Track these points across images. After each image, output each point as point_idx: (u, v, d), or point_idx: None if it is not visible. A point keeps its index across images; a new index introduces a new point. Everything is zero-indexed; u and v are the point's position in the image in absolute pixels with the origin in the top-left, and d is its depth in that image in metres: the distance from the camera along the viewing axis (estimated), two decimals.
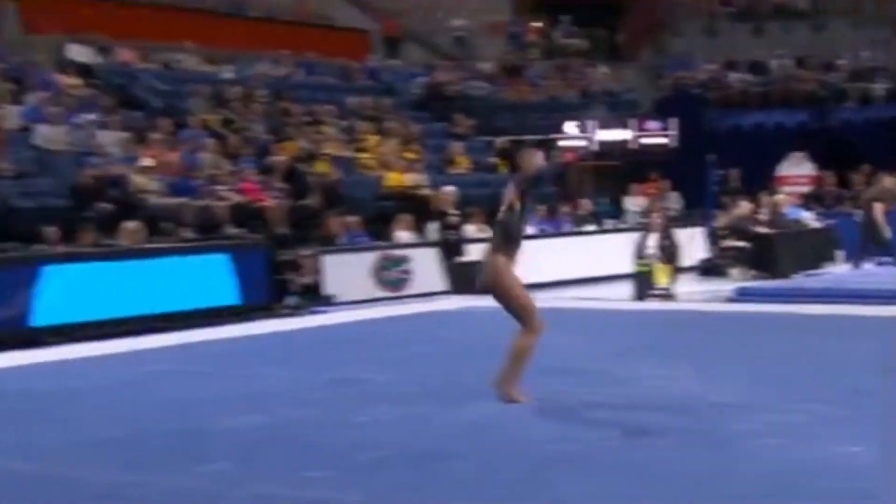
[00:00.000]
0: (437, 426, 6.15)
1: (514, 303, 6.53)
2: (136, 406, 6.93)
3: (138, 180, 13.78)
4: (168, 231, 13.39)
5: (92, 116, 14.91)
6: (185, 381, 7.98)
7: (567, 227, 17.32)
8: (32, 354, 9.47)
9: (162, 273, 11.69)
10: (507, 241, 6.54)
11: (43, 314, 10.52)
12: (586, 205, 18.17)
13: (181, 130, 15.66)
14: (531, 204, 6.76)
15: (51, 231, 11.83)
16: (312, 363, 8.71)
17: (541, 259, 15.28)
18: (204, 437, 5.99)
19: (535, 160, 6.54)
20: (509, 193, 6.56)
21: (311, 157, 16.26)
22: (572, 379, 7.48)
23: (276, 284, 13.01)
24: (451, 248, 14.78)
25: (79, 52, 16.81)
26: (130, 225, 12.38)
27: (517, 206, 6.49)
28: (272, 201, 14.99)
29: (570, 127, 19.93)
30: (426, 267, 14.47)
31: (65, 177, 13.67)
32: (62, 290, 10.68)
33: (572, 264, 15.42)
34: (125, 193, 13.46)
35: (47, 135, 14.15)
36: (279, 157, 15.90)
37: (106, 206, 13.10)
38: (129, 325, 11.01)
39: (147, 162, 14.15)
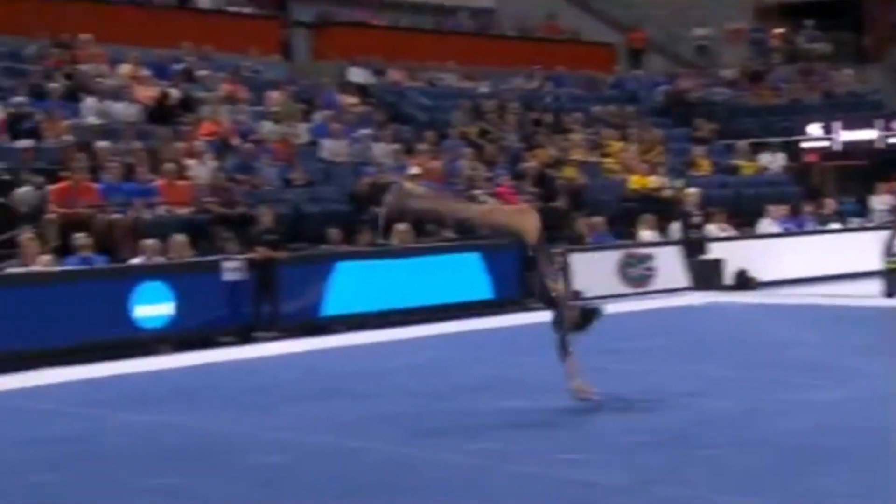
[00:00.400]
0: (690, 413, 5.97)
1: None
2: (414, 386, 7.18)
3: (407, 186, 14.27)
4: (432, 232, 13.81)
5: (368, 131, 15.62)
6: (455, 366, 8.20)
7: (811, 226, 16.35)
8: (324, 340, 10.05)
9: (426, 269, 12.07)
10: None
11: (332, 305, 11.13)
12: (830, 204, 17.09)
13: (443, 141, 16.09)
14: None
15: (334, 232, 12.49)
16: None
17: (786, 257, 14.56)
18: (474, 417, 6.11)
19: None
20: None
21: (559, 162, 16.25)
22: (821, 374, 7.04)
23: (526, 280, 13.11)
24: (693, 246, 14.33)
25: (357, 74, 17.67)
26: (401, 226, 12.87)
27: None
28: (525, 204, 15.10)
29: (814, 128, 18.79)
30: (669, 264, 14.11)
31: (345, 185, 14.40)
32: (347, 284, 11.27)
33: (818, 262, 14.55)
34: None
35: (331, 148, 14.97)
36: (530, 164, 16.00)
37: (380, 210, 13.68)
38: (401, 315, 11.45)
39: (414, 170, 14.66)
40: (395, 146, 15.35)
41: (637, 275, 13.90)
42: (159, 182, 12.22)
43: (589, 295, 13.08)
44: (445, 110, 17.46)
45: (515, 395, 6.68)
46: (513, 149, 16.76)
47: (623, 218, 15.73)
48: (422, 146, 15.51)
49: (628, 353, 8.38)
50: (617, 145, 17.34)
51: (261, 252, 10.67)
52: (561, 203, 15.38)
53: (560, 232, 14.90)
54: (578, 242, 14.26)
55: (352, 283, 11.33)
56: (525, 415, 6.12)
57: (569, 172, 15.95)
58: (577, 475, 4.67)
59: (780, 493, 4.32)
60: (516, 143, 16.94)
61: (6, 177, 11.46)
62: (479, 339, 10.07)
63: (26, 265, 9.73)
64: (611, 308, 11.90)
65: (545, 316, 10.82)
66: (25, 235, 10.03)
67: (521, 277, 12.92)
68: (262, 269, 10.60)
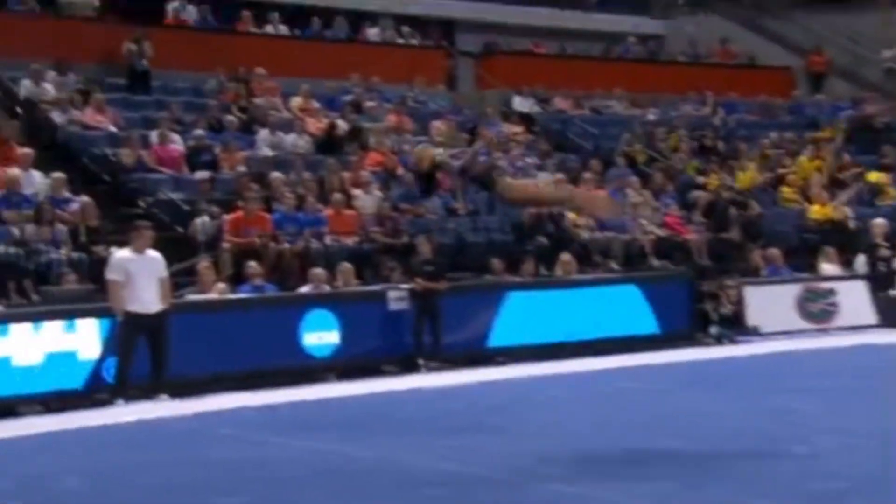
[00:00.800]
0: (878, 459, 5.67)
1: None
2: (579, 421, 7.14)
3: (571, 216, 14.27)
4: (597, 263, 13.72)
5: (532, 160, 15.71)
6: (623, 401, 8.09)
7: None
8: (487, 372, 10.16)
9: (589, 301, 11.99)
10: None
11: (495, 336, 11.20)
12: None
13: (609, 170, 15.99)
14: None
15: (496, 262, 12.60)
16: (741, 391, 8.42)
17: None
18: (645, 456, 6.01)
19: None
20: None
21: (732, 191, 15.81)
22: None
23: (696, 314, 12.81)
24: (881, 280, 13.62)
25: (521, 103, 17.83)
26: (565, 257, 12.85)
27: None
28: (694, 234, 14.78)
29: None
30: (854, 299, 13.45)
31: (509, 214, 14.52)
32: (510, 315, 11.33)
33: None
34: (560, 228, 14.00)
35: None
36: (701, 193, 15.66)
37: (543, 240, 13.72)
38: (565, 348, 11.40)
39: None
40: (560, 175, 15.36)
41: (818, 310, 13.33)
42: (327, 212, 12.70)
43: (766, 331, 12.66)
44: (611, 138, 17.35)
45: (688, 434, 6.51)
46: (682, 177, 16.45)
47: (802, 250, 15.13)
48: (587, 175, 15.44)
49: (811, 393, 8.04)
50: (796, 173, 16.71)
51: (419, 283, 10.88)
52: (734, 234, 14.97)
53: (733, 264, 14.54)
54: (753, 275, 13.83)
55: (515, 315, 11.38)
56: (700, 456, 5.97)
57: (742, 201, 15.48)
58: None
59: None
60: (686, 170, 16.62)
61: (185, 207, 12.21)
62: (647, 374, 9.90)
63: (203, 292, 10.31)
64: (790, 345, 11.58)
65: (718, 352, 10.58)
66: (202, 264, 10.64)
67: (689, 310, 12.65)
68: (423, 299, 10.81)
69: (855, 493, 5.00)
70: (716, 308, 12.98)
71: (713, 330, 12.66)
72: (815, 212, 15.65)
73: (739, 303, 13.05)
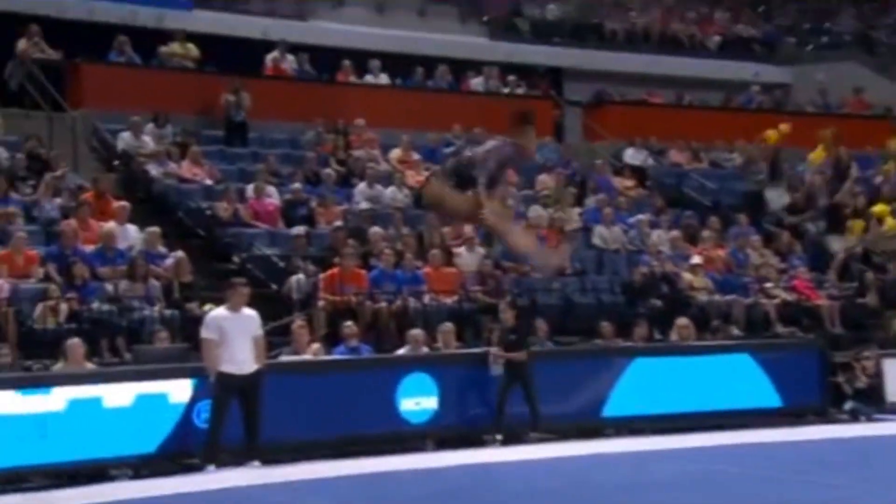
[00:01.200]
0: None
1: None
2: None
3: (688, 277, 14.05)
4: (716, 328, 13.43)
5: (644, 216, 15.58)
6: (743, 484, 7.84)
7: None
8: (594, 445, 10.02)
9: (711, 370, 11.72)
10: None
11: (609, 406, 11.02)
12: None
13: (730, 228, 15.71)
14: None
15: (606, 326, 12.45)
16: (881, 476, 8.06)
17: None
18: None
19: (533, 143, 5.66)
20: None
21: (867, 252, 15.33)
22: None
23: (829, 388, 12.38)
24: None
25: (634, 156, 17.73)
26: (682, 321, 12.62)
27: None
28: (825, 299, 14.36)
29: None
30: None
31: (619, 274, 14.39)
32: (625, 384, 11.14)
33: None
34: (675, 290, 13.79)
35: (604, 235, 15.05)
36: (834, 252, 15.26)
37: (657, 303, 13.52)
38: (682, 420, 11.15)
39: (696, 259, 14.39)
40: (675, 233, 15.18)
41: None
42: (426, 269, 12.80)
43: None
44: (732, 193, 17.09)
45: None
46: (811, 235, 16.07)
47: None
48: (705, 233, 15.23)
49: None
50: None
51: (499, 354, 10.68)
52: (870, 299, 14.47)
53: (870, 332, 14.03)
54: (893, 345, 13.32)
55: (628, 383, 11.19)
56: None
57: (880, 263, 15.00)
58: None
59: None
60: (816, 229, 16.22)
61: (280, 263, 12.47)
62: (769, 453, 9.58)
63: (298, 353, 10.47)
64: None
65: (853, 430, 10.19)
66: (297, 323, 10.82)
67: (821, 383, 12.24)
68: (509, 369, 10.64)
69: None
70: (850, 381, 12.52)
71: (848, 405, 12.20)
72: None
73: (877, 376, 12.57)
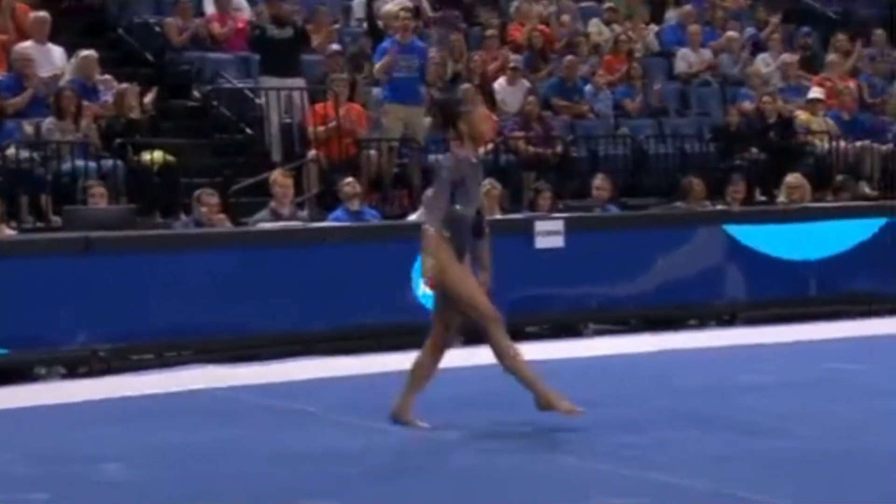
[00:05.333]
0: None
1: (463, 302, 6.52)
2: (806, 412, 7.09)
3: (803, 117, 13.98)
4: (841, 185, 13.45)
5: (748, 33, 15.40)
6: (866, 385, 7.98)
7: None
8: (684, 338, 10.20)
9: (831, 241, 11.72)
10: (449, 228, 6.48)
11: (692, 290, 11.11)
12: None
13: (866, 49, 15.51)
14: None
15: (696, 183, 12.40)
16: None
17: None
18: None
19: (486, 123, 6.48)
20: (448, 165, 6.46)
21: None
22: None
23: None
24: None
25: None
26: (793, 178, 12.61)
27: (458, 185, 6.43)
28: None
29: None
30: None
31: (710, 115, 14.34)
32: (716, 261, 11.21)
33: None
34: (786, 135, 13.74)
35: (690, 60, 14.90)
36: None
37: (759, 153, 13.49)
38: (790, 306, 11.27)
39: (816, 93, 14.29)
40: (788, 57, 15.05)
41: None
42: None
43: None
44: (868, 2, 16.86)
45: None
46: None
47: None
48: (831, 57, 15.07)
49: None
50: None
51: None
52: None
53: None
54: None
55: (716, 260, 11.26)
56: None
57: None
58: None
59: None
60: None
61: (257, 99, 12.48)
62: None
63: (278, 215, 10.53)
64: None
65: None
66: (277, 173, 10.86)
67: None
68: None
69: None
70: None
71: None
72: None
73: None
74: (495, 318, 6.58)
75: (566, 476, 5.84)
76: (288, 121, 12.25)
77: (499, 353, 6.61)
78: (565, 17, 15.26)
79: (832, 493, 5.45)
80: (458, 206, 6.52)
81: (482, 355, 7.03)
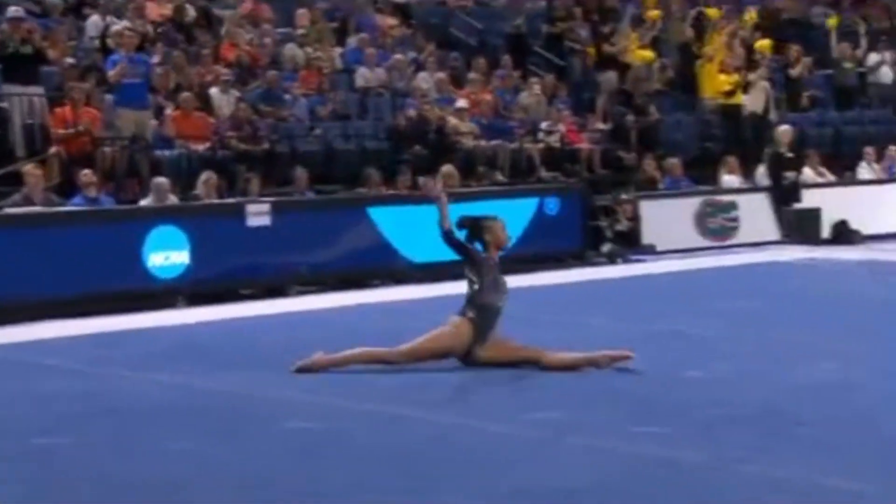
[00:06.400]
0: (775, 385, 5.92)
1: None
2: None
3: (453, 122, 14.21)
4: (482, 174, 13.75)
5: (410, 56, 15.51)
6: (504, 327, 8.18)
7: None
8: (360, 295, 10.18)
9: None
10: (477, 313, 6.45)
11: (368, 256, 11.09)
12: None
13: (497, 70, 15.94)
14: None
15: (373, 173, 12.43)
16: (632, 314, 8.63)
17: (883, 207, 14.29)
18: (530, 383, 6.10)
19: (503, 234, 6.63)
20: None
21: (627, 94, 15.98)
22: None
23: (590, 231, 13.00)
24: (785, 192, 14.12)
25: None
26: (447, 168, 12.80)
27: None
28: (588, 143, 14.97)
29: None
30: (756, 214, 13.94)
31: (383, 119, 14.36)
32: (386, 232, 11.23)
33: None
34: (442, 135, 13.93)
35: (366, 76, 14.88)
36: (601, 92, 15.83)
37: (422, 150, 13.63)
38: (441, 270, 11.43)
39: (462, 103, 14.55)
40: (441, 75, 15.26)
41: (718, 226, 13.76)
42: (174, 113, 12.33)
43: (662, 248, 12.99)
44: (498, 34, 17.29)
45: None
46: (575, 76, 16.61)
47: (702, 160, 15.55)
48: (472, 75, 15.39)
49: (707, 317, 8.30)
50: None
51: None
52: (630, 143, 15.19)
53: (629, 175, 14.79)
54: (649, 188, 14.11)
55: (390, 232, 11.30)
56: (588, 383, 6.10)
57: (643, 105, 15.66)
58: (650, 450, 4.65)
59: (884, 476, 4.26)
60: (579, 71, 16.76)
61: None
62: (532, 297, 10.04)
63: (30, 201, 9.94)
64: (687, 264, 11.92)
65: (610, 272, 10.78)
66: (30, 166, 10.27)
67: (582, 227, 12.82)
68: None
69: (742, 419, 5.19)
70: (612, 225, 13.20)
71: (605, 248, 12.88)
72: (723, 80, 15.78)
73: (635, 219, 13.30)
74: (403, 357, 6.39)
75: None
76: (30, 122, 11.48)
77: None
78: (267, 40, 14.95)
79: None
80: (487, 295, 6.44)
81: None
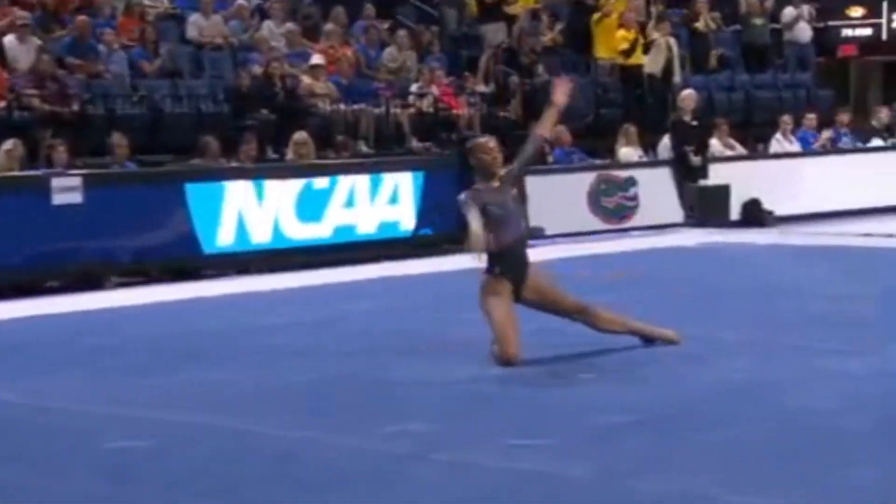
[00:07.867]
0: (682, 386, 6.08)
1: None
2: (309, 349, 7.15)
3: (307, 81, 14.11)
4: (341, 144, 13.71)
5: (252, 3, 15.32)
6: (366, 322, 8.19)
7: (848, 143, 16.61)
8: (192, 287, 10.08)
9: (338, 195, 11.95)
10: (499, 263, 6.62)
11: (205, 241, 10.95)
12: (879, 113, 17.35)
13: (356, 21, 15.88)
14: None
15: (212, 142, 12.22)
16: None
17: (810, 184, 14.79)
18: (393, 389, 6.12)
19: (485, 152, 6.64)
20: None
21: (512, 51, 16.14)
22: (850, 337, 7.22)
23: None
24: (689, 167, 14.46)
25: None
26: (298, 136, 12.71)
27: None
28: (466, 109, 15.05)
29: (855, 10, 19.04)
30: (657, 192, 14.24)
31: (223, 77, 14.17)
32: (221, 214, 11.09)
33: (852, 191, 14.80)
34: (293, 98, 13.82)
35: (201, 25, 14.64)
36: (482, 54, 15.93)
37: (269, 114, 13.50)
38: (298, 256, 11.37)
39: (317, 59, 14.46)
40: (291, 25, 15.12)
41: (614, 206, 14.01)
42: None
43: (551, 232, 13.17)
44: None
45: (454, 360, 6.68)
46: (451, 31, 16.69)
47: (597, 129, 15.80)
48: (329, 27, 15.31)
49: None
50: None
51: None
52: (514, 107, 15.35)
53: (510, 148, 14.87)
54: (537, 162, 14.27)
55: (232, 215, 11.16)
56: (462, 387, 6.14)
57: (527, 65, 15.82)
58: (527, 465, 4.70)
59: (798, 488, 4.40)
60: (457, 23, 16.85)
61: None
62: (404, 287, 10.09)
63: None
64: (579, 249, 12.11)
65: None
66: None
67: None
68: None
69: (638, 425, 5.31)
70: None
71: None
72: (621, 37, 16.09)
73: (523, 198, 13.45)
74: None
75: None
76: None
77: None
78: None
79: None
80: (498, 238, 6.47)
81: None
